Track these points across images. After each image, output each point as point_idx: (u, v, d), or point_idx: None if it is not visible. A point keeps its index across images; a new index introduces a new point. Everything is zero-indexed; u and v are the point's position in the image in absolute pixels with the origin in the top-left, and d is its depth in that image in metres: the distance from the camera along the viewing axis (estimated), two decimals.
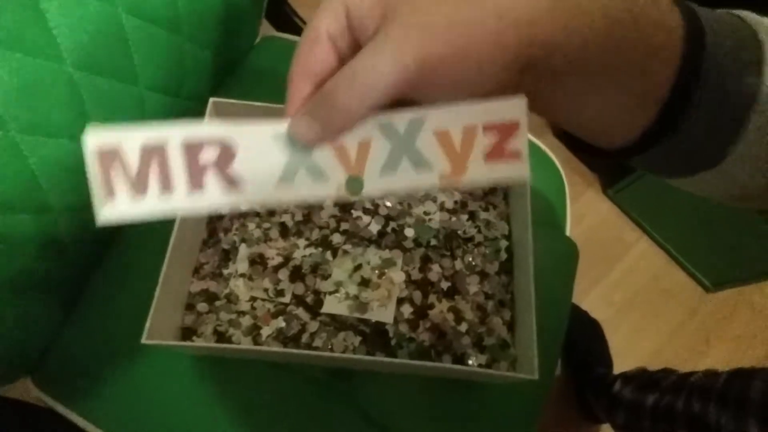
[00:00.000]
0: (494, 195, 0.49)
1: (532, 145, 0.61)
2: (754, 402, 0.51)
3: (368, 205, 0.47)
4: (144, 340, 0.35)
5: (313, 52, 0.22)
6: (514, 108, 0.22)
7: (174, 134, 0.22)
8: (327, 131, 0.22)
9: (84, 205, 0.42)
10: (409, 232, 0.46)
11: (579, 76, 0.21)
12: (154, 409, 0.44)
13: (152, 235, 0.49)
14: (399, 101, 0.22)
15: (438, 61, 0.20)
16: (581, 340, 1.00)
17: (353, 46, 0.22)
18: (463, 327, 0.43)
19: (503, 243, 0.46)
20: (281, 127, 0.23)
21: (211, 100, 0.44)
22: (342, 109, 0.21)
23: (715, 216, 0.99)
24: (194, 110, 0.54)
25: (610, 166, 1.16)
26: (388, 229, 0.46)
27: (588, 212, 1.17)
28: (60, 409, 0.45)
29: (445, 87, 0.21)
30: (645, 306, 1.09)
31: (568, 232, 0.60)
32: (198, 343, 0.41)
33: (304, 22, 0.69)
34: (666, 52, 0.21)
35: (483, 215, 0.47)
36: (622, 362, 0.94)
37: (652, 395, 0.69)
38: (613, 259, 1.14)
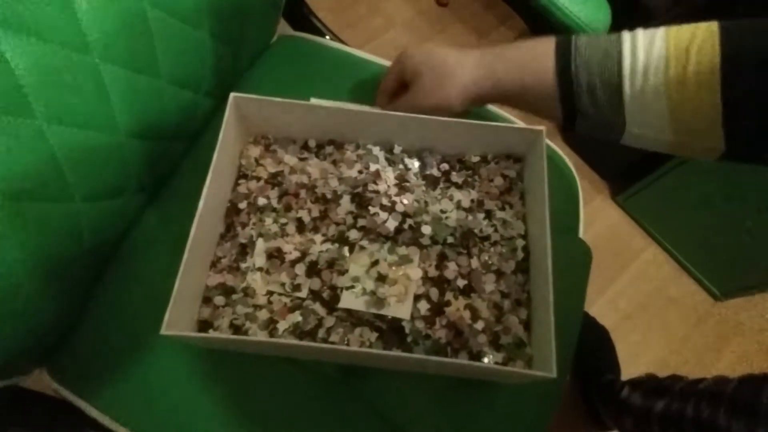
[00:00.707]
0: (511, 195, 0.49)
1: (548, 147, 0.61)
2: (765, 407, 0.51)
3: (385, 202, 0.47)
4: (163, 331, 0.35)
5: (390, 81, 0.50)
6: None
7: None
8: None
9: (104, 195, 0.43)
10: (426, 230, 0.46)
11: (505, 102, 0.46)
12: (168, 401, 0.44)
13: (168, 228, 0.50)
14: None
15: (431, 108, 0.45)
16: (589, 346, 0.99)
17: (401, 79, 0.49)
18: (480, 325, 0.43)
19: (520, 242, 0.46)
20: None
21: (232, 95, 0.44)
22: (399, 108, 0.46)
23: (725, 224, 0.99)
24: (212, 104, 0.54)
25: (619, 172, 1.16)
26: (405, 226, 0.46)
27: (597, 219, 1.17)
28: (74, 400, 0.45)
29: (436, 113, 0.45)
30: (653, 313, 1.09)
31: (581, 235, 0.60)
32: (215, 335, 0.41)
33: (322, 23, 0.70)
34: (546, 82, 0.40)
35: (499, 214, 0.47)
36: (630, 369, 0.94)
37: (660, 401, 0.69)
38: (622, 266, 1.13)
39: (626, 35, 0.37)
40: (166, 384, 0.45)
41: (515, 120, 0.61)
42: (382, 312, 0.42)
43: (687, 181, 0.98)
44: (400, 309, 0.42)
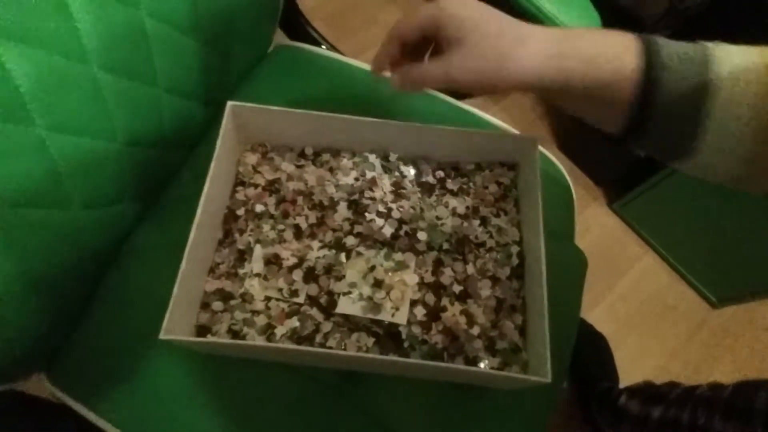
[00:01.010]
0: (505, 201, 0.49)
1: (542, 155, 0.62)
2: (760, 413, 0.51)
3: (381, 209, 0.47)
4: (162, 336, 0.35)
5: (409, 28, 0.37)
6: None
7: None
8: (405, 88, 0.39)
9: (102, 203, 0.43)
10: (422, 236, 0.46)
11: (568, 98, 0.36)
12: (166, 407, 0.44)
13: (167, 235, 0.50)
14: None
15: (471, 82, 0.36)
16: (587, 354, 0.99)
17: (430, 35, 0.37)
18: (476, 330, 0.43)
19: (514, 249, 0.47)
20: None
21: (229, 103, 0.45)
22: (415, 84, 0.38)
23: (721, 231, 0.99)
24: (210, 113, 0.55)
25: (614, 179, 1.16)
26: (401, 233, 0.47)
27: (593, 226, 1.17)
28: (73, 405, 0.45)
29: (473, 89, 0.37)
30: (650, 321, 1.09)
31: (576, 242, 0.61)
32: (213, 339, 0.41)
33: (318, 33, 0.71)
34: (624, 89, 0.32)
35: (494, 221, 0.48)
36: (628, 376, 0.94)
37: (657, 408, 0.69)
38: (619, 273, 1.14)
39: (715, 47, 0.32)
40: (165, 390, 0.45)
41: (508, 128, 0.62)
42: (379, 317, 0.43)
43: (682, 188, 0.99)
44: (396, 315, 0.43)
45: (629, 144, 0.35)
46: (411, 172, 0.50)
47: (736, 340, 1.09)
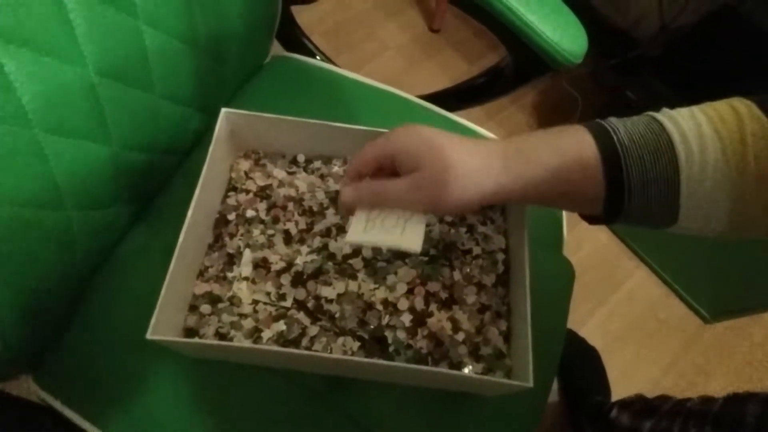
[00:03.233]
0: (492, 210, 0.50)
1: None
2: (749, 425, 0.51)
3: None
4: (148, 336, 0.35)
5: (365, 168, 0.38)
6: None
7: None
8: (363, 198, 0.38)
9: (95, 205, 0.44)
10: None
11: (540, 201, 0.37)
12: (152, 411, 0.44)
13: (158, 239, 0.51)
14: None
15: (435, 209, 0.37)
16: (579, 368, 0.99)
17: (389, 165, 0.37)
18: (460, 336, 0.43)
19: (500, 256, 0.47)
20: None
21: (223, 110, 0.46)
22: (374, 204, 0.38)
23: (714, 248, 1.00)
24: (205, 120, 0.56)
25: None
26: None
27: (586, 240, 1.18)
28: (58, 407, 0.45)
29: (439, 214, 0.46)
30: (643, 335, 1.09)
31: (564, 253, 0.61)
32: (199, 340, 0.41)
33: (313, 44, 0.72)
34: (592, 190, 0.33)
35: (481, 229, 0.49)
36: (620, 390, 0.94)
37: (648, 421, 0.69)
38: (611, 287, 1.14)
39: (666, 121, 0.32)
40: (152, 394, 0.45)
41: (494, 137, 0.63)
42: (392, 244, 0.37)
43: None
44: (409, 239, 0.37)
45: (615, 224, 0.36)
46: None
47: (729, 355, 1.09)
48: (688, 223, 0.32)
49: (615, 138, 0.32)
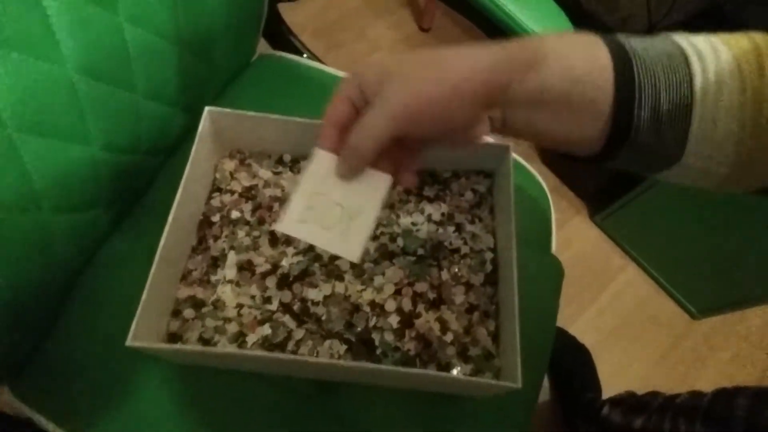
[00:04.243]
0: (480, 209, 0.50)
1: (520, 166, 0.63)
2: (738, 419, 0.51)
3: None
4: (128, 343, 0.34)
5: (338, 108, 0.33)
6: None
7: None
8: (353, 167, 0.33)
9: (75, 207, 0.43)
10: (398, 241, 0.46)
11: (535, 114, 0.30)
12: (136, 421, 0.43)
13: (141, 243, 0.50)
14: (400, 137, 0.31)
15: (417, 110, 0.29)
16: (570, 365, 0.99)
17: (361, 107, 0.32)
18: (449, 337, 0.43)
19: (488, 255, 0.47)
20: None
21: (207, 109, 0.45)
22: (358, 151, 0.32)
23: (701, 243, 1.01)
24: (189, 120, 0.55)
25: (597, 193, 1.18)
26: (378, 233, 0.47)
27: (575, 238, 1.18)
28: (36, 419, 0.44)
29: (427, 125, 0.30)
30: (632, 332, 1.10)
31: (553, 251, 0.61)
32: (181, 346, 0.41)
33: (300, 42, 0.71)
34: (602, 90, 0.28)
35: (469, 228, 0.48)
36: (611, 388, 0.94)
37: (639, 418, 0.69)
38: (601, 285, 1.14)
39: (684, 43, 0.28)
40: (134, 402, 0.44)
41: (489, 140, 0.62)
42: (327, 247, 0.34)
43: (663, 200, 1.00)
44: (348, 244, 0.33)
45: (614, 162, 0.31)
46: None
47: (717, 350, 1.10)
48: (693, 160, 0.29)
49: (627, 46, 0.28)
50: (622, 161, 0.30)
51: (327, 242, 0.33)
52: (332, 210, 0.33)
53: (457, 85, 0.28)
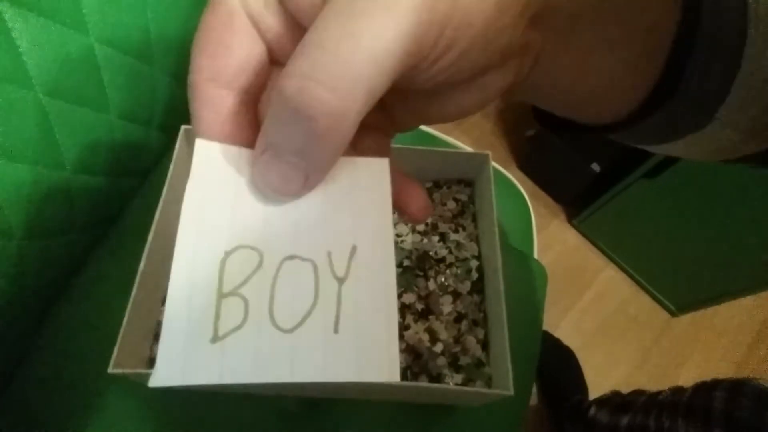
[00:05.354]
0: (463, 217, 0.50)
1: (498, 173, 0.64)
2: (717, 411, 0.53)
3: None
4: (111, 370, 0.33)
5: (226, 42, 0.16)
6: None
7: None
8: (317, 165, 0.15)
9: (46, 232, 0.41)
10: None
11: (588, 29, 0.19)
12: None
13: (119, 267, 0.48)
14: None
15: (444, 18, 0.14)
16: (556, 369, 1.00)
17: (289, 25, 0.16)
18: (439, 347, 0.43)
19: (473, 263, 0.47)
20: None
21: (183, 127, 0.44)
22: (316, 134, 0.14)
23: (675, 241, 1.04)
24: (165, 140, 0.54)
25: (573, 197, 1.20)
26: None
27: (555, 242, 1.20)
28: None
29: (452, 55, 0.16)
30: (615, 332, 1.11)
31: (535, 256, 0.62)
32: None
33: None
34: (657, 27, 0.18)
35: (453, 236, 0.48)
36: (597, 388, 0.95)
37: (625, 416, 0.70)
38: (582, 287, 1.16)
39: None
40: (112, 426, 0.42)
41: (468, 148, 0.63)
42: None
43: (639, 201, 1.03)
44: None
45: (641, 119, 0.21)
46: None
47: (697, 345, 1.12)
48: (726, 122, 0.20)
49: None
50: (651, 127, 0.22)
51: (311, 370, 0.15)
52: (293, 278, 0.16)
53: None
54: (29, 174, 0.38)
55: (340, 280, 0.16)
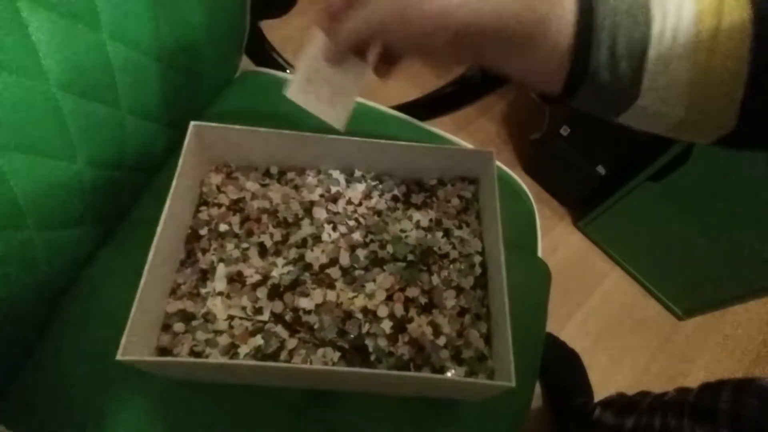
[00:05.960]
0: (467, 214, 0.50)
1: (503, 172, 0.64)
2: (723, 411, 0.53)
3: (349, 222, 0.48)
4: (119, 357, 0.34)
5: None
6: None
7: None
8: (336, 52, 0.37)
9: (60, 224, 0.42)
10: (388, 248, 0.47)
11: (499, 44, 0.31)
12: None
13: (128, 259, 0.49)
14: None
15: (384, 24, 0.32)
16: (560, 371, 1.00)
17: None
18: (442, 340, 0.43)
19: (477, 259, 0.48)
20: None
21: (192, 123, 0.45)
22: (339, 36, 0.35)
23: (682, 244, 1.03)
24: (174, 135, 0.55)
25: (579, 199, 1.20)
26: (367, 241, 0.47)
27: (560, 245, 1.20)
28: None
29: (402, 44, 0.34)
30: (620, 335, 1.11)
31: (539, 254, 0.62)
32: (172, 358, 0.40)
33: (282, 58, 0.72)
34: (563, 18, 0.29)
35: (457, 233, 0.49)
36: (602, 391, 0.95)
37: (630, 418, 0.70)
38: (588, 290, 1.16)
39: None
40: (124, 420, 0.43)
41: (468, 145, 0.64)
42: (319, 114, 0.41)
43: (644, 204, 1.03)
44: (336, 114, 0.41)
45: (574, 102, 0.33)
46: (376, 187, 0.51)
47: (702, 349, 1.11)
48: (648, 102, 0.30)
49: None
50: (582, 100, 0.32)
51: (320, 111, 0.40)
52: (324, 86, 0.39)
53: (443, 12, 0.30)
54: (42, 166, 0.39)
55: (336, 93, 0.40)
